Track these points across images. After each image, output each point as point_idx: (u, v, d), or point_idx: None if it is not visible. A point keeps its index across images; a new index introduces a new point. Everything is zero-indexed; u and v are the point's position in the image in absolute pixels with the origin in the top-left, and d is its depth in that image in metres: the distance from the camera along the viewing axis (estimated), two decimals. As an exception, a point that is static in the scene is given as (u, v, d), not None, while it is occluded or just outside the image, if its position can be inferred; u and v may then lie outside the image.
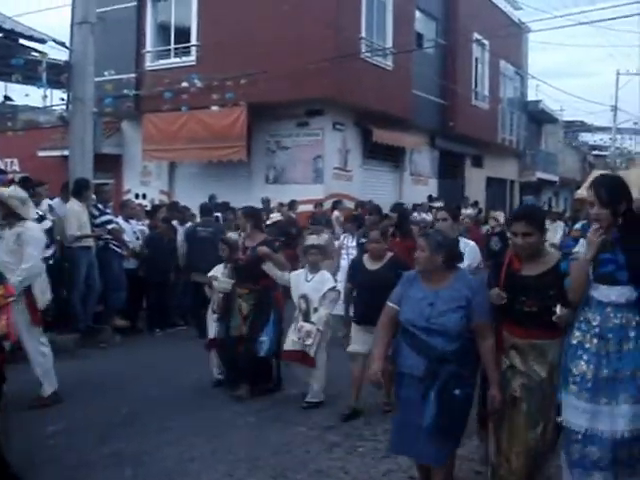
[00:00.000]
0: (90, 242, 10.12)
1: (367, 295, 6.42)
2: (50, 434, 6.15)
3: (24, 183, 9.71)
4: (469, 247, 6.93)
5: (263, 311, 7.38)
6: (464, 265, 6.11)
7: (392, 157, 21.30)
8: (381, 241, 6.73)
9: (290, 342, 6.98)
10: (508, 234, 4.67)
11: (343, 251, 9.98)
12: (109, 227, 10.45)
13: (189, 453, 5.72)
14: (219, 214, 13.54)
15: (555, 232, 15.31)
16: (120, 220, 11.00)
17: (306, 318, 7.00)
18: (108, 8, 16.82)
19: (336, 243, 10.71)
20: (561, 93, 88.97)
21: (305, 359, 6.93)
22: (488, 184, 28.68)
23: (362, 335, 6.57)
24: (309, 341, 6.87)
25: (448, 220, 7.24)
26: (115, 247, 10.55)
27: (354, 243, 9.86)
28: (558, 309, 4.13)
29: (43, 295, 6.97)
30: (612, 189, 4.06)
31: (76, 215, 9.95)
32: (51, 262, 9.56)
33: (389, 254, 6.74)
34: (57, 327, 9.68)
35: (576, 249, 4.24)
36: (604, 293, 4.04)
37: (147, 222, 12.00)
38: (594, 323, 4.07)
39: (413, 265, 4.74)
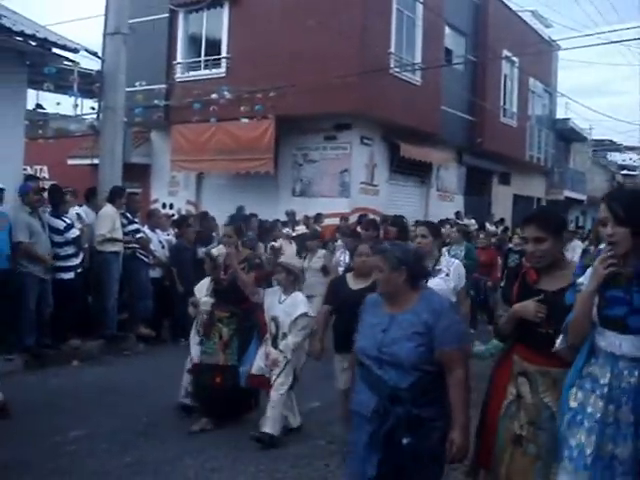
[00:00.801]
0: (120, 247, 10.20)
1: (348, 319, 5.14)
2: (72, 440, 6.19)
3: (53, 191, 9.82)
4: (454, 266, 5.88)
5: (246, 337, 6.73)
6: (450, 287, 5.62)
7: (419, 172, 21.25)
8: (371, 255, 5.62)
9: (257, 367, 6.40)
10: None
11: (340, 268, 9.72)
12: (137, 236, 10.53)
13: (210, 464, 5.72)
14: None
15: (574, 252, 15.02)
16: (146, 229, 11.07)
17: (274, 343, 6.36)
18: (140, 19, 16.95)
19: (333, 259, 10.42)
20: (590, 111, 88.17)
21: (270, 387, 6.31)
22: (515, 202, 28.50)
23: (342, 368, 5.76)
24: (276, 370, 6.25)
25: (428, 237, 5.97)
26: (142, 256, 10.62)
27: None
28: (560, 339, 3.40)
29: None
30: (631, 202, 3.18)
31: (111, 218, 10.07)
32: (79, 270, 9.69)
33: None
34: (82, 334, 9.80)
35: (581, 279, 3.35)
36: (614, 342, 3.16)
37: (172, 232, 12.05)
38: (602, 381, 3.17)
39: None
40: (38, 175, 17.18)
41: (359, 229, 14.62)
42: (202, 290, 7.18)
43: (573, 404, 3.25)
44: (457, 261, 6.20)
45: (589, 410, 3.17)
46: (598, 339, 3.22)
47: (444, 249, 11.26)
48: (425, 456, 3.55)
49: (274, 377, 6.24)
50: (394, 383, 3.58)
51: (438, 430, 3.58)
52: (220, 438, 6.38)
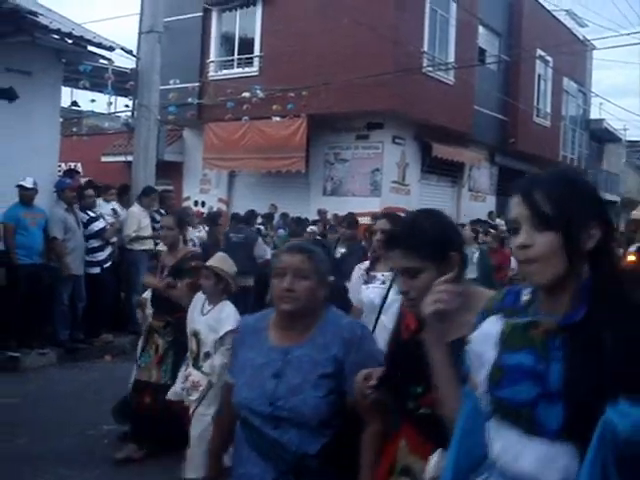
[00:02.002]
0: (149, 245, 10.29)
1: None
2: (105, 433, 6.27)
3: (87, 187, 9.94)
4: None
5: (182, 352, 5.46)
6: None
7: (451, 172, 21.14)
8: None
9: (173, 391, 5.21)
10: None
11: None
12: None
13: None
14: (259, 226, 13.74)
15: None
16: (178, 226, 11.14)
17: (195, 363, 5.09)
18: (174, 18, 17.08)
19: None
20: (625, 112, 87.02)
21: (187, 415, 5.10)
22: (547, 203, 28.19)
23: None
24: (195, 395, 4.96)
25: None
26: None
27: None
28: (435, 456, 2.11)
29: None
30: (565, 189, 1.75)
31: (136, 217, 10.18)
32: (107, 265, 9.78)
33: None
34: (114, 329, 9.90)
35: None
36: (508, 450, 1.72)
37: (204, 229, 12.14)
38: None
39: None
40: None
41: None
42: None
43: None
44: None
45: None
46: (492, 439, 1.79)
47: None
48: None
49: (193, 405, 4.99)
50: (298, 448, 2.54)
51: None
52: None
